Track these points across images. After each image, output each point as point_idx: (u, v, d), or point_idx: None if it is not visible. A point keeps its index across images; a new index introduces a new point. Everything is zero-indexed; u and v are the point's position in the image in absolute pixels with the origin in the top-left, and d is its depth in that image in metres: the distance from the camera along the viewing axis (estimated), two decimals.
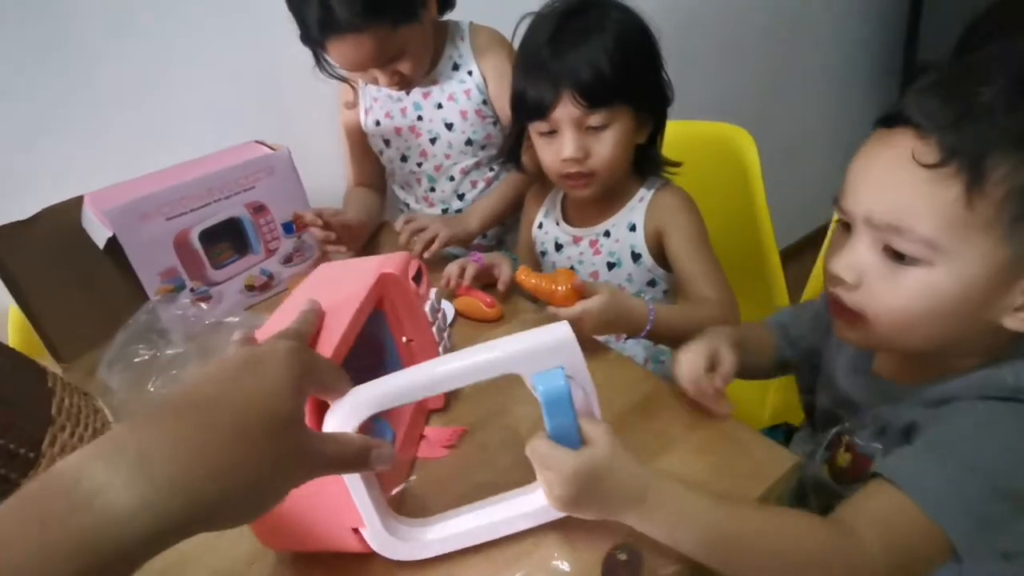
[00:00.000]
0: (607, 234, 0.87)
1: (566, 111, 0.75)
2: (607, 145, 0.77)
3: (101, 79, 1.01)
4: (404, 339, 0.60)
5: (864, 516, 0.43)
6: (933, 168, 0.41)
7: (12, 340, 0.91)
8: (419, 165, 1.11)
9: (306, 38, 0.91)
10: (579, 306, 0.67)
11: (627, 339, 0.87)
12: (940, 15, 1.92)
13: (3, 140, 0.96)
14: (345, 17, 0.83)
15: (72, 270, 0.84)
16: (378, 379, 0.42)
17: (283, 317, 0.48)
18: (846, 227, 0.49)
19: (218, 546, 0.53)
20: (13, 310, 0.87)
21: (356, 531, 0.46)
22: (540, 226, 0.95)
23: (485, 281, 0.86)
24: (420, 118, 1.07)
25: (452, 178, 1.12)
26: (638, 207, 0.84)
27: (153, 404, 0.67)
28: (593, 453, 0.41)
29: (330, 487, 0.42)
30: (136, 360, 0.73)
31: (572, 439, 0.42)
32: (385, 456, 0.38)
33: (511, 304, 0.83)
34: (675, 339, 0.69)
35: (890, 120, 0.46)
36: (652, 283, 0.87)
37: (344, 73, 0.99)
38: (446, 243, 0.94)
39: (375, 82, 0.99)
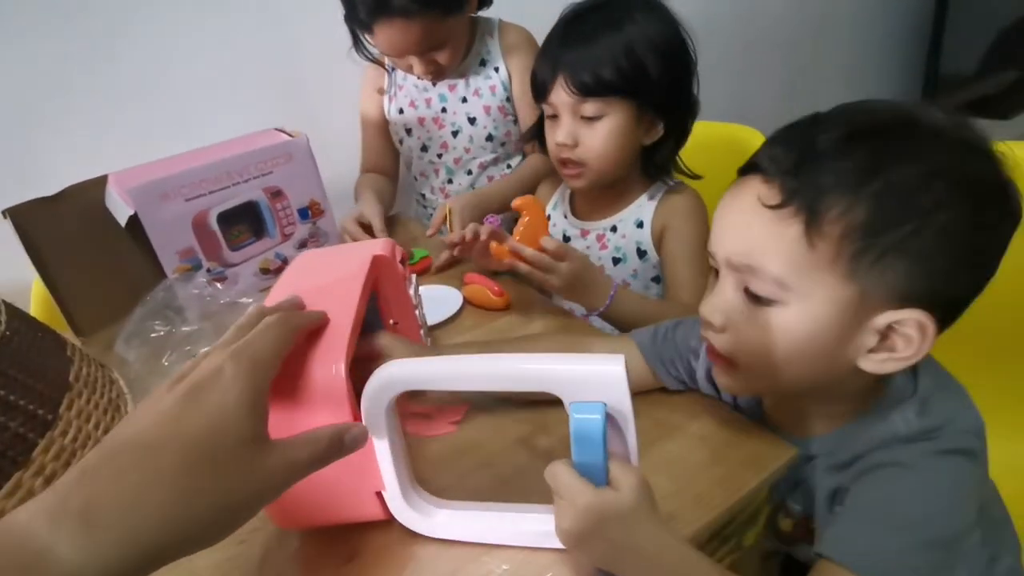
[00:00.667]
0: (614, 229, 0.88)
1: (560, 97, 0.78)
2: (597, 136, 0.79)
3: (128, 64, 1.04)
4: (392, 321, 0.62)
5: None
6: (775, 209, 0.43)
7: (34, 312, 0.94)
8: (439, 156, 1.13)
9: (352, 18, 0.94)
10: (554, 265, 0.69)
11: (588, 315, 0.88)
12: (964, 26, 1.91)
13: (33, 120, 0.99)
14: (400, 2, 0.87)
15: (94, 247, 0.87)
16: (419, 359, 0.43)
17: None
18: (716, 273, 0.50)
19: None
20: (36, 284, 0.90)
21: (379, 495, 0.47)
22: (548, 218, 0.96)
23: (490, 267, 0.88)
24: (444, 110, 1.09)
25: (470, 172, 1.13)
26: (647, 205, 0.86)
27: (166, 378, 0.70)
28: (615, 497, 0.39)
29: (358, 453, 0.43)
30: (152, 336, 0.75)
31: (598, 477, 0.39)
32: (359, 436, 0.39)
33: (519, 292, 0.84)
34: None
35: (745, 168, 0.48)
36: (656, 279, 0.88)
37: (379, 57, 1.01)
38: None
39: (408, 69, 1.01)
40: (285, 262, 0.98)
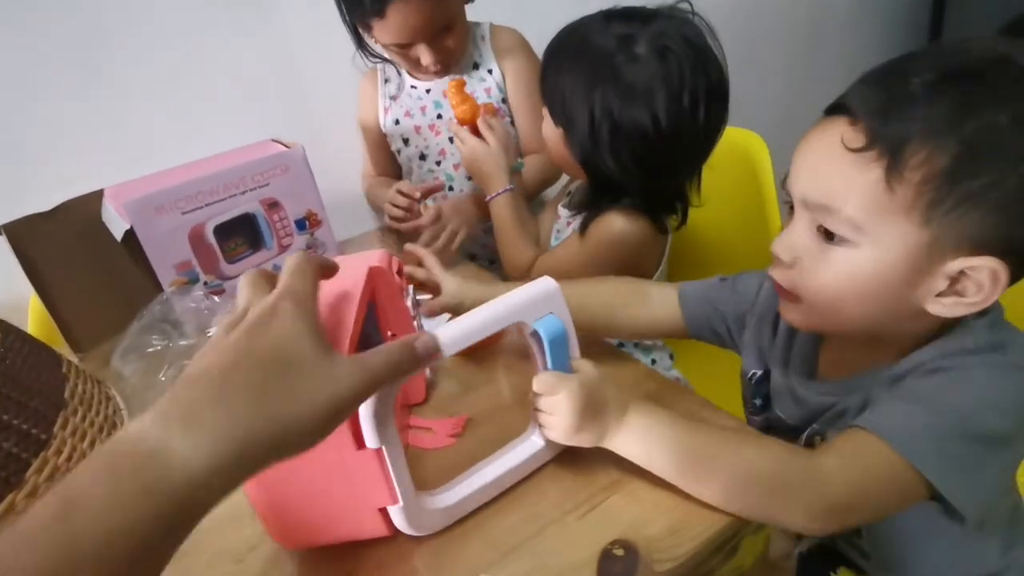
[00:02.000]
0: None
1: None
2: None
3: (122, 77, 1.04)
4: (390, 332, 0.61)
5: (833, 449, 0.45)
6: (858, 152, 0.43)
7: (31, 329, 0.94)
8: (437, 164, 1.12)
9: (356, 12, 0.93)
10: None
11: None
12: (962, 26, 1.91)
13: (27, 135, 0.99)
14: None
15: (91, 262, 0.86)
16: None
17: None
18: (792, 209, 0.51)
19: (221, 529, 0.54)
20: (34, 299, 0.89)
21: (381, 511, 0.46)
22: (558, 232, 0.96)
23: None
24: (440, 116, 1.08)
25: (470, 176, 1.12)
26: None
27: (161, 391, 0.69)
28: (588, 373, 0.50)
29: (359, 469, 0.44)
30: (149, 350, 0.75)
31: (567, 371, 0.51)
32: (429, 343, 0.41)
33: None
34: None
35: (832, 108, 0.47)
36: None
37: (386, 54, 1.01)
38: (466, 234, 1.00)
39: (416, 65, 1.00)
40: None
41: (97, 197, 0.87)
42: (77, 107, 1.02)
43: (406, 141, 1.12)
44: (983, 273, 0.42)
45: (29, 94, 0.99)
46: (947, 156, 0.41)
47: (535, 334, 0.49)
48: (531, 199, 1.10)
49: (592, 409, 0.48)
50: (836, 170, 0.45)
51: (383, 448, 0.43)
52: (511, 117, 1.10)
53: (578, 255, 0.82)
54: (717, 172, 0.82)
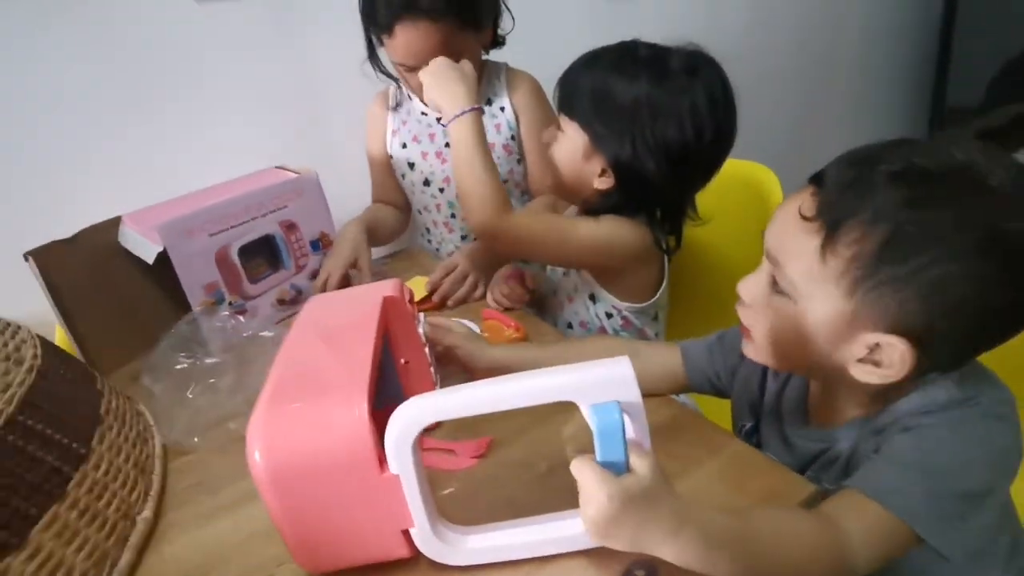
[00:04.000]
0: None
1: None
2: (556, 149, 0.82)
3: (138, 108, 1.08)
4: (403, 360, 0.62)
5: (843, 518, 0.47)
6: (806, 220, 0.48)
7: None
8: (441, 191, 1.14)
9: (372, 21, 0.95)
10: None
11: None
12: (971, 58, 1.96)
13: (42, 165, 1.03)
14: (424, 3, 0.89)
15: (108, 287, 0.88)
16: (441, 390, 0.45)
17: (286, 357, 0.52)
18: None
19: (248, 547, 0.55)
20: (59, 328, 0.92)
21: (404, 533, 0.47)
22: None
23: (509, 304, 0.91)
24: (447, 145, 1.11)
25: None
26: None
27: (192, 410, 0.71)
28: (636, 480, 0.42)
29: (383, 492, 0.44)
30: (177, 368, 0.77)
31: (620, 468, 0.43)
32: None
33: (535, 328, 0.85)
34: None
35: (813, 177, 0.52)
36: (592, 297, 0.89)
37: (394, 72, 1.03)
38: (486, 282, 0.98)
39: (419, 89, 1.00)
40: (300, 293, 1.00)
41: (114, 224, 0.90)
42: (91, 134, 1.05)
43: (411, 166, 1.14)
44: (895, 352, 0.47)
45: (52, 123, 1.03)
46: (877, 240, 0.45)
47: (590, 418, 0.43)
48: None
49: (632, 519, 0.42)
50: (789, 232, 0.50)
51: (404, 472, 0.44)
52: (519, 155, 1.13)
53: (574, 232, 0.81)
54: (729, 205, 0.84)
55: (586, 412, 0.43)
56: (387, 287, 0.60)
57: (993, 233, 0.43)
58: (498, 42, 1.06)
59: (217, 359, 0.79)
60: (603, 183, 0.79)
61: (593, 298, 0.88)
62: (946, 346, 0.47)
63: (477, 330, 0.84)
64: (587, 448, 0.43)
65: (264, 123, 1.19)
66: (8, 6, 0.96)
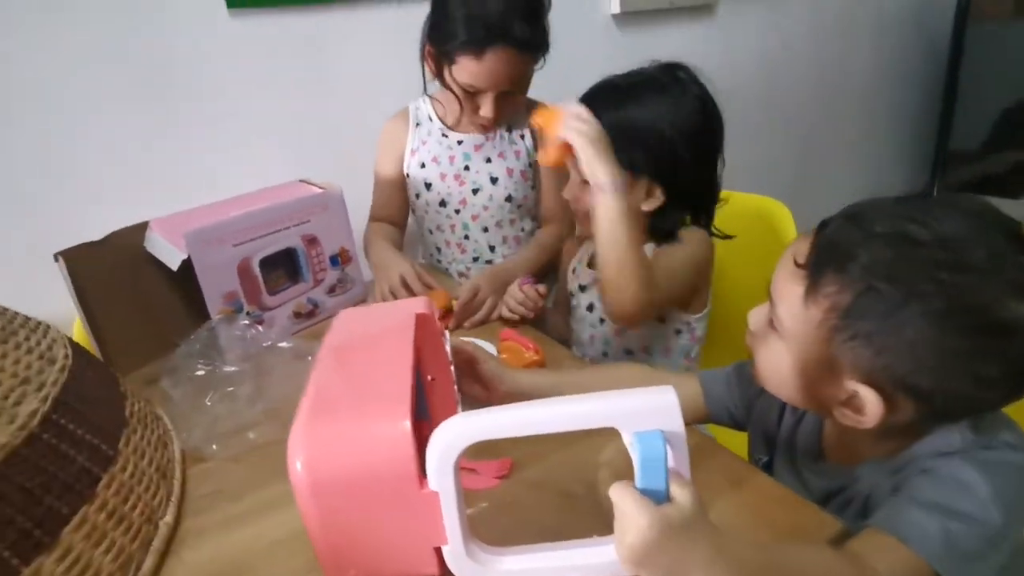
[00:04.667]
0: None
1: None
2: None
3: (171, 117, 1.10)
4: (429, 377, 0.63)
5: (869, 556, 0.48)
6: (796, 267, 0.52)
7: None
8: (457, 212, 1.17)
9: (453, 41, 0.97)
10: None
11: None
12: (973, 105, 2.04)
13: (76, 169, 1.04)
14: (519, 32, 0.95)
15: (131, 290, 0.89)
16: (482, 411, 0.45)
17: (324, 368, 0.52)
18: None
19: (272, 556, 0.56)
20: (77, 325, 0.92)
21: (436, 550, 0.47)
22: (573, 271, 1.03)
23: (525, 312, 0.94)
24: (467, 168, 1.14)
25: (486, 229, 1.18)
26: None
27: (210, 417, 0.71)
28: (676, 510, 0.42)
29: (420, 508, 0.44)
30: (195, 374, 0.77)
31: (660, 496, 0.43)
32: None
33: (553, 350, 0.87)
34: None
35: (820, 224, 0.55)
36: (662, 319, 0.93)
37: (453, 88, 1.04)
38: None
39: (475, 110, 1.05)
40: (316, 306, 1.01)
41: (141, 228, 0.91)
42: (119, 142, 1.07)
43: (428, 186, 1.16)
44: (866, 401, 0.50)
45: (84, 128, 1.04)
46: (852, 295, 0.48)
47: (632, 445, 0.44)
48: (548, 269, 1.15)
49: (671, 548, 0.42)
50: (784, 275, 0.54)
51: (444, 489, 0.44)
52: (534, 182, 1.17)
53: (676, 257, 0.86)
54: (743, 237, 0.87)
55: (628, 439, 0.43)
56: (418, 304, 0.61)
57: (966, 309, 0.46)
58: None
59: (235, 367, 0.80)
60: (652, 203, 0.85)
61: (662, 319, 0.92)
62: (945, 402, 0.49)
63: (495, 352, 0.86)
64: (623, 474, 0.44)
65: (288, 136, 1.22)
66: (49, 17, 0.99)
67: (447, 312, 1.00)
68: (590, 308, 0.98)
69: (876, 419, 0.50)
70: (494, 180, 1.14)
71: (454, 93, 1.04)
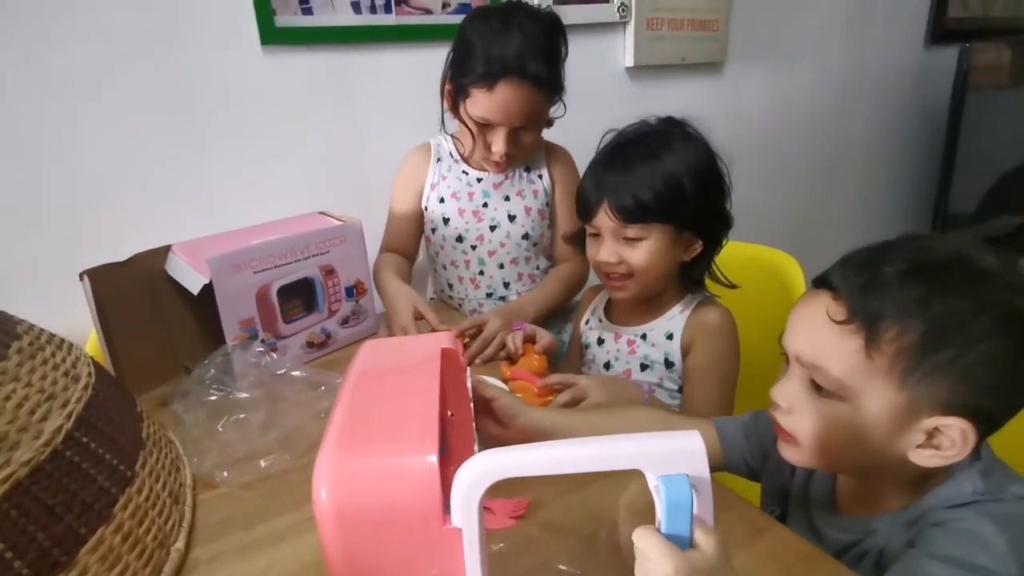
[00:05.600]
0: (644, 337, 0.92)
1: (604, 220, 0.84)
2: (640, 255, 0.84)
3: (198, 143, 1.13)
4: (449, 413, 0.63)
5: None
6: (840, 324, 0.52)
7: None
8: (473, 248, 1.19)
9: (469, 73, 1.01)
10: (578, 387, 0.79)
11: None
12: (970, 172, 2.10)
13: (104, 192, 1.06)
14: (533, 69, 0.98)
15: (149, 313, 0.90)
16: (508, 448, 0.45)
17: (349, 399, 0.53)
18: (787, 360, 0.59)
19: None
20: (92, 343, 0.93)
21: None
22: (587, 322, 1.02)
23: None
24: (486, 205, 1.16)
25: (502, 266, 1.19)
26: (678, 318, 0.90)
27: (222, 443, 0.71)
28: (701, 557, 0.42)
29: (442, 544, 0.44)
30: (208, 399, 0.77)
31: (683, 543, 0.43)
32: None
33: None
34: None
35: (818, 282, 0.56)
36: (682, 390, 0.91)
37: (468, 123, 1.07)
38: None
39: (487, 147, 1.07)
40: (329, 337, 1.01)
41: (163, 252, 0.93)
42: (148, 168, 1.10)
43: (446, 221, 1.18)
44: (954, 431, 0.49)
45: (115, 153, 1.07)
46: (916, 333, 0.49)
47: (656, 489, 0.43)
48: (561, 308, 1.17)
49: None
50: (822, 336, 0.53)
51: (467, 527, 0.44)
52: (551, 220, 1.20)
53: (717, 366, 0.86)
54: (752, 286, 0.89)
55: (653, 482, 0.43)
56: (443, 339, 0.61)
57: (1006, 312, 0.48)
58: (549, 123, 1.13)
59: (248, 394, 0.80)
60: (691, 253, 0.87)
61: (682, 389, 0.91)
62: (993, 416, 0.50)
63: (504, 388, 0.86)
64: (645, 517, 0.44)
65: (310, 169, 1.24)
66: (87, 45, 1.02)
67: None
68: (607, 366, 0.95)
69: (969, 446, 0.49)
70: (512, 218, 1.16)
71: (468, 128, 1.08)
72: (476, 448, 0.64)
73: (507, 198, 1.16)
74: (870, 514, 0.58)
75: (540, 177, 1.17)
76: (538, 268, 1.23)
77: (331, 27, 1.21)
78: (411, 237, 1.23)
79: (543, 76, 1.00)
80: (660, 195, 0.81)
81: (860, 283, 0.52)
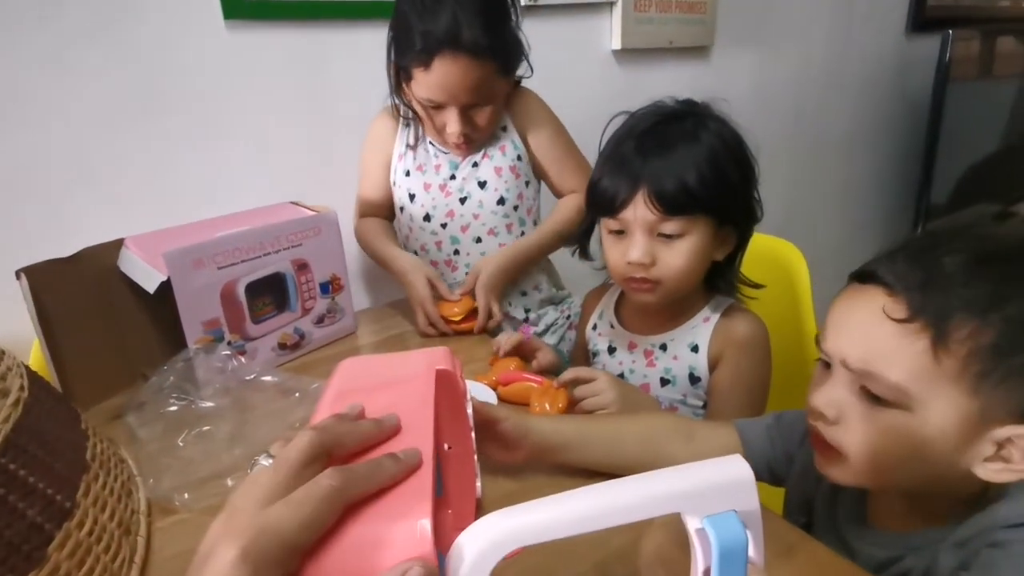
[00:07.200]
0: (663, 347, 0.82)
1: (639, 213, 0.72)
2: (678, 255, 0.73)
3: (152, 129, 1.03)
4: (446, 446, 0.54)
5: None
6: (902, 323, 0.46)
7: None
8: (443, 226, 1.08)
9: (407, 53, 0.93)
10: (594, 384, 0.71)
11: None
12: (950, 164, 2.09)
13: (47, 185, 0.96)
14: (470, 37, 0.89)
15: (100, 314, 0.81)
16: (521, 508, 0.36)
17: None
18: (826, 365, 0.52)
19: None
20: (35, 351, 0.83)
21: None
22: (594, 327, 0.92)
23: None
24: (453, 177, 1.07)
25: (479, 239, 1.09)
26: (702, 327, 0.80)
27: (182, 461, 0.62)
28: None
29: None
30: (167, 410, 0.69)
31: None
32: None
33: None
34: None
35: (863, 277, 0.50)
36: (707, 405, 0.83)
37: (417, 109, 1.00)
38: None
39: (441, 129, 0.99)
40: (302, 337, 0.93)
41: (115, 246, 0.84)
42: (101, 153, 1.00)
43: (412, 197, 1.08)
44: None
45: (60, 138, 0.97)
46: (993, 332, 0.44)
47: (702, 533, 0.36)
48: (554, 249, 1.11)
49: None
50: (879, 337, 0.47)
51: None
52: (527, 179, 1.10)
53: (749, 384, 0.78)
54: (753, 277, 0.83)
55: (696, 524, 0.36)
56: (438, 357, 0.50)
57: None
58: (517, 83, 1.06)
59: (213, 403, 0.72)
60: (724, 250, 0.78)
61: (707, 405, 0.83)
62: None
63: (494, 399, 0.78)
64: (677, 567, 0.37)
65: (280, 155, 1.15)
66: (30, 24, 0.92)
67: (471, 314, 0.98)
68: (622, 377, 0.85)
69: None
70: (482, 184, 1.06)
71: (415, 112, 1.01)
72: (478, 484, 0.55)
73: (475, 164, 1.07)
74: (909, 528, 0.53)
75: (504, 130, 1.07)
76: (523, 234, 1.11)
77: (303, 1, 1.12)
78: (385, 205, 1.14)
79: (482, 44, 0.90)
80: (706, 179, 0.71)
81: (919, 277, 0.46)
